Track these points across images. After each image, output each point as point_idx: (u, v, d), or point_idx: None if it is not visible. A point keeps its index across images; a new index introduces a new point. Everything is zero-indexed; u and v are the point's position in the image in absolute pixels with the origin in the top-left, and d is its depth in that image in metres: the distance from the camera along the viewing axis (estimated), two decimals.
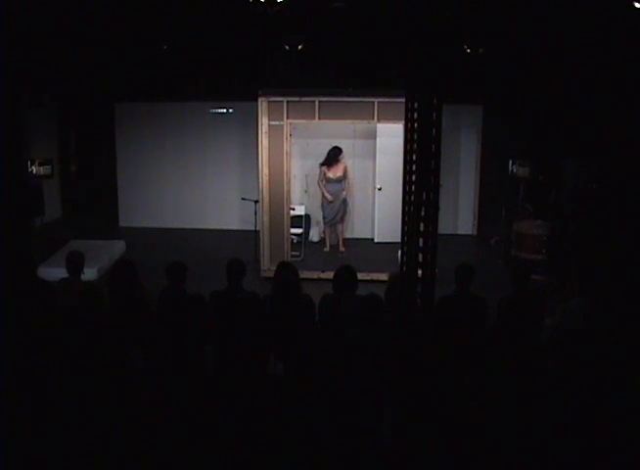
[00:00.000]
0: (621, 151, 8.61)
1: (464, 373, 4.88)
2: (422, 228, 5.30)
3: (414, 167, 5.67)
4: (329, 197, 10.19)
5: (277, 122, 8.98)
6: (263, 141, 9.04)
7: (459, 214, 11.84)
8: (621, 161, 8.61)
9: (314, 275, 8.73)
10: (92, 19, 7.88)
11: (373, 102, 8.85)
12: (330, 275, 5.62)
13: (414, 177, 5.68)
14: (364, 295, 4.93)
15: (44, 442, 4.21)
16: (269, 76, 9.69)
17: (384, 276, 7.48)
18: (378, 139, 10.75)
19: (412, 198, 5.81)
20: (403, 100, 6.14)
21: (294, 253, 9.72)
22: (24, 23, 5.92)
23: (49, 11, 7.25)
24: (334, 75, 9.64)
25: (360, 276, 5.51)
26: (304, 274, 7.38)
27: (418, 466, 4.30)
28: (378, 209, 11.05)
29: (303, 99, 8.93)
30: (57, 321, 4.99)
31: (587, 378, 4.63)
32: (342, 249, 10.43)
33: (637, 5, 6.27)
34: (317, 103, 8.91)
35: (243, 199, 10.24)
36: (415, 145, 5.62)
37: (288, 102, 8.94)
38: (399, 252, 6.65)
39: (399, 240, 6.58)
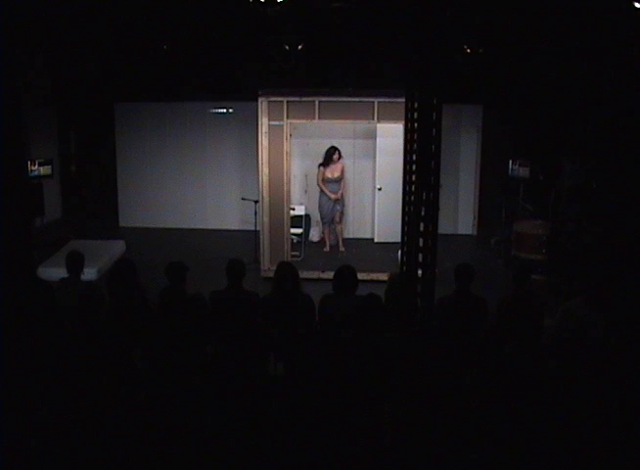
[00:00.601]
0: (621, 151, 8.62)
1: (464, 373, 4.88)
2: (422, 228, 5.30)
3: (414, 167, 5.67)
4: (332, 196, 10.23)
5: (277, 122, 8.98)
6: (263, 141, 9.03)
7: (459, 214, 11.84)
8: (621, 160, 8.61)
9: (314, 275, 8.73)
10: (92, 19, 7.88)
11: (373, 102, 8.85)
12: (330, 275, 5.63)
13: (414, 177, 5.68)
14: (364, 295, 4.93)
15: (44, 442, 4.21)
16: (269, 76, 9.68)
17: (384, 276, 7.48)
18: (378, 139, 10.75)
19: (412, 198, 5.81)
20: (403, 100, 6.15)
21: (294, 253, 9.72)
22: (25, 23, 5.92)
23: (49, 11, 7.25)
24: (334, 75, 9.64)
25: (360, 276, 5.51)
26: (304, 274, 7.38)
27: (418, 466, 4.30)
28: (378, 209, 11.05)
29: (303, 99, 8.93)
30: (57, 321, 4.99)
31: (587, 378, 4.63)
32: (341, 249, 10.44)
33: (637, 5, 6.27)
34: (317, 103, 8.91)
35: (243, 199, 10.24)
36: (415, 145, 5.62)
37: (288, 102, 8.94)
38: (399, 252, 6.66)
39: (399, 240, 6.60)
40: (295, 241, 10.06)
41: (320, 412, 4.52)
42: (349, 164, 11.14)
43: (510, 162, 10.47)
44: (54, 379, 4.55)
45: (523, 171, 10.35)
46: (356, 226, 11.55)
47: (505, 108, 10.86)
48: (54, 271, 6.84)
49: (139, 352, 4.96)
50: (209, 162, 12.09)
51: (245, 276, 5.39)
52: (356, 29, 8.47)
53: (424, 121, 5.29)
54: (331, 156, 10.19)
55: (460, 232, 11.74)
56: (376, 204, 11.10)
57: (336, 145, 10.43)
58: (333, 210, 10.34)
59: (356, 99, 8.89)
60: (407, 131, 6.02)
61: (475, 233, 11.81)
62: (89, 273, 6.89)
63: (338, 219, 10.50)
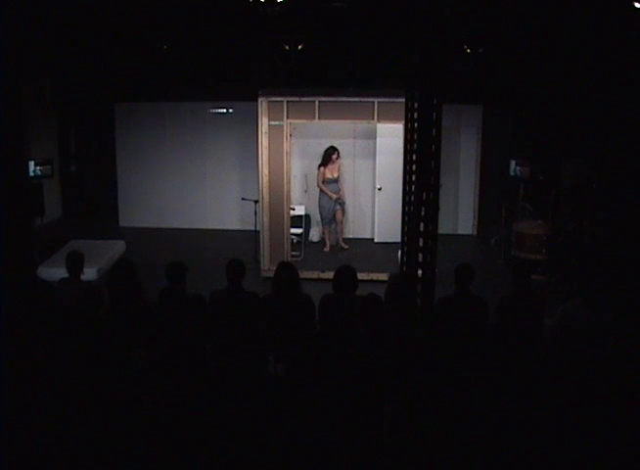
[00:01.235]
0: (622, 150, 8.62)
1: (464, 373, 4.88)
2: (422, 228, 5.30)
3: (414, 167, 5.68)
4: (333, 196, 10.28)
5: (277, 122, 8.97)
6: (263, 141, 9.03)
7: (459, 214, 11.84)
8: (622, 160, 8.61)
9: (314, 275, 8.73)
10: (92, 19, 7.88)
11: (373, 102, 8.84)
12: (330, 275, 5.62)
13: (414, 177, 5.69)
14: (364, 295, 4.92)
15: (44, 442, 4.21)
16: (269, 76, 9.68)
17: (384, 276, 7.49)
18: (378, 139, 10.75)
19: (412, 198, 5.82)
20: (403, 100, 6.16)
21: (294, 253, 9.72)
22: (25, 23, 5.92)
23: (49, 11, 7.24)
24: (334, 75, 9.64)
25: (360, 276, 5.51)
26: (304, 274, 7.38)
27: (418, 466, 4.30)
28: (378, 209, 11.05)
29: (303, 99, 8.93)
30: (57, 321, 4.99)
31: (587, 378, 4.63)
32: (345, 246, 10.52)
33: (637, 5, 6.27)
34: (317, 103, 8.90)
35: (243, 199, 10.23)
36: (415, 145, 5.62)
37: (288, 102, 8.93)
38: (399, 252, 6.66)
39: (399, 240, 6.61)
40: (295, 241, 10.06)
41: (320, 412, 4.52)
42: (350, 163, 11.14)
43: (510, 162, 10.47)
44: (54, 379, 4.55)
45: (523, 171, 10.35)
46: (356, 226, 11.55)
47: (505, 108, 10.86)
48: (54, 271, 6.83)
49: (139, 352, 4.95)
50: (209, 162, 12.09)
51: (245, 276, 5.39)
52: (356, 29, 8.47)
53: (424, 121, 5.30)
54: (330, 156, 10.22)
55: (460, 232, 11.74)
56: (376, 204, 11.09)
57: (335, 145, 10.43)
58: (333, 209, 10.38)
59: (356, 99, 8.89)
60: (407, 131, 6.03)
61: (475, 233, 11.82)
62: (89, 273, 6.88)
63: (340, 218, 10.54)
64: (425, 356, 4.68)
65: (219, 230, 11.83)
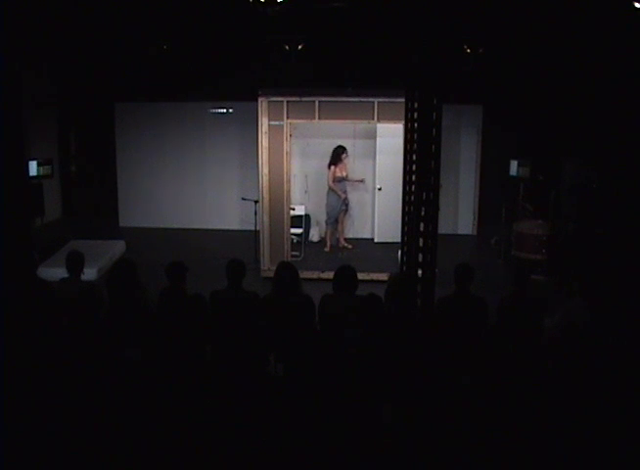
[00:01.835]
0: (622, 151, 8.62)
1: (464, 373, 4.88)
2: (422, 228, 5.30)
3: (414, 167, 5.68)
4: (342, 195, 10.35)
5: (277, 122, 8.98)
6: (263, 141, 9.03)
7: (459, 214, 11.85)
8: (622, 160, 8.61)
9: (314, 275, 8.73)
10: (92, 19, 7.89)
11: (373, 102, 8.85)
12: (330, 275, 5.62)
13: (414, 177, 5.69)
14: (364, 295, 4.92)
15: (44, 441, 4.21)
16: (269, 76, 9.69)
17: (384, 276, 7.48)
18: (378, 139, 10.75)
19: (412, 198, 5.82)
20: (403, 100, 6.16)
21: (294, 253, 9.72)
22: (25, 23, 5.92)
23: (49, 11, 7.25)
24: (334, 75, 9.64)
25: (360, 276, 5.51)
26: (304, 274, 7.38)
27: (418, 466, 4.30)
28: (378, 209, 11.05)
29: (303, 99, 8.93)
30: (57, 321, 4.99)
31: (587, 378, 4.63)
32: (349, 246, 10.57)
33: (637, 5, 6.27)
34: (317, 103, 8.90)
35: (243, 199, 10.24)
36: (415, 145, 5.62)
37: (288, 102, 8.93)
38: (399, 252, 6.66)
39: (399, 240, 6.61)
40: (295, 241, 10.06)
41: (320, 412, 4.52)
42: (350, 163, 11.15)
43: (510, 162, 10.47)
44: (54, 378, 4.55)
45: (523, 171, 10.35)
46: (356, 226, 11.56)
47: (505, 108, 10.87)
48: (54, 271, 6.84)
49: (139, 352, 4.95)
50: (209, 162, 12.09)
51: (245, 276, 5.39)
52: (356, 29, 8.47)
53: (424, 121, 5.30)
54: (339, 155, 10.26)
55: (460, 232, 11.75)
56: (376, 204, 11.10)
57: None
58: (340, 209, 10.43)
59: (356, 99, 8.89)
60: (407, 131, 6.03)
61: (475, 233, 11.82)
62: (89, 273, 6.88)
63: (341, 218, 10.57)
64: (425, 356, 4.68)
65: (219, 230, 11.84)
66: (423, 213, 5.29)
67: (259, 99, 8.96)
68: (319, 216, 11.38)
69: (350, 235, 11.21)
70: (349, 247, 10.60)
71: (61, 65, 11.00)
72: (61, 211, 12.62)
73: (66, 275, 5.63)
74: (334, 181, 10.28)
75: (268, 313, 5.29)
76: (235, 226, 11.75)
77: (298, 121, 9.35)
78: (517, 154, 10.52)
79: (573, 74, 9.21)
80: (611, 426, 4.34)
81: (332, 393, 4.55)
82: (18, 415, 4.26)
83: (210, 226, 11.99)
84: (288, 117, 8.99)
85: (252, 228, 9.81)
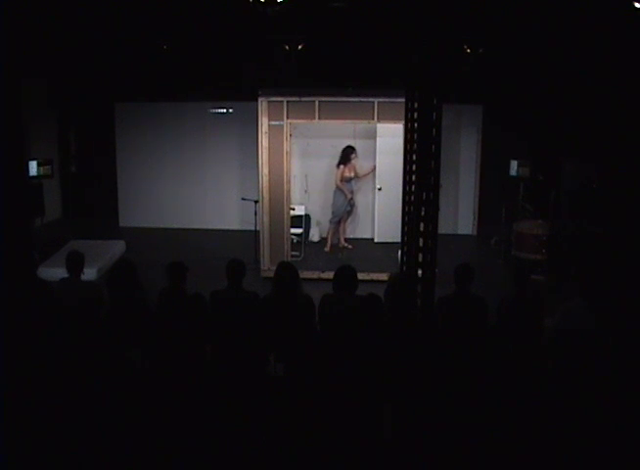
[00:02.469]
0: (622, 151, 8.62)
1: (464, 373, 4.88)
2: (422, 228, 5.30)
3: (414, 167, 5.67)
4: (349, 195, 10.38)
5: (277, 122, 8.98)
6: (263, 141, 9.03)
7: (459, 214, 11.85)
8: (622, 161, 8.61)
9: (314, 275, 8.73)
10: (92, 19, 7.88)
11: (373, 102, 8.85)
12: (330, 275, 5.62)
13: (414, 177, 5.69)
14: (364, 295, 4.92)
15: (44, 441, 4.21)
16: (269, 76, 9.68)
17: (384, 276, 7.48)
18: (378, 139, 10.75)
19: (412, 198, 5.81)
20: (403, 100, 6.15)
21: (294, 253, 9.72)
22: (25, 23, 5.92)
23: (49, 11, 7.24)
24: (334, 75, 9.63)
25: (360, 276, 5.51)
26: (304, 274, 7.38)
27: (418, 466, 4.30)
28: (378, 209, 11.05)
29: (303, 99, 8.93)
30: (57, 321, 4.99)
31: (587, 378, 4.63)
32: (348, 245, 10.57)
33: (637, 5, 6.27)
34: (317, 103, 8.91)
35: (243, 199, 10.23)
36: (415, 145, 5.62)
37: (288, 102, 8.93)
38: (399, 252, 6.66)
39: (399, 240, 6.60)
40: (295, 241, 10.06)
41: (320, 412, 4.52)
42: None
43: (510, 162, 10.47)
44: (54, 379, 4.55)
45: (523, 171, 10.35)
46: (356, 226, 11.55)
47: (505, 108, 10.86)
48: (54, 271, 6.84)
49: (139, 352, 4.96)
50: (209, 162, 12.09)
51: (245, 276, 5.39)
52: (356, 29, 8.47)
53: (424, 121, 5.29)
54: (348, 155, 10.31)
55: (460, 232, 11.75)
56: (376, 204, 11.10)
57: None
58: (346, 209, 10.46)
59: (356, 99, 8.89)
60: (407, 131, 6.03)
61: (475, 233, 11.82)
62: (89, 273, 6.88)
63: (345, 217, 10.62)
64: (425, 356, 4.68)
65: (219, 230, 11.84)
66: (423, 213, 5.29)
67: (259, 99, 8.96)
68: (319, 216, 11.38)
69: (350, 235, 11.21)
70: (349, 247, 10.61)
71: (61, 65, 10.98)
72: (61, 211, 12.62)
73: (66, 275, 5.63)
74: (342, 181, 10.30)
75: (268, 313, 5.29)
76: (235, 226, 11.75)
77: (298, 121, 9.35)
78: (517, 154, 10.52)
79: (573, 74, 9.20)
80: (611, 426, 4.34)
81: (332, 393, 4.55)
82: (18, 415, 4.26)
83: (210, 226, 11.99)
84: (288, 117, 8.98)
85: (252, 228, 9.81)
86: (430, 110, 5.23)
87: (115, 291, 5.24)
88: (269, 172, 9.09)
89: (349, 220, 11.19)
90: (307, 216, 11.18)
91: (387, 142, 10.57)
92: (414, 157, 5.68)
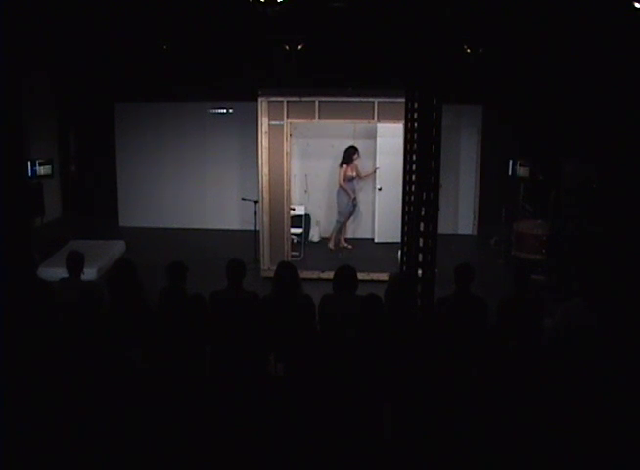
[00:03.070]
0: (622, 151, 8.62)
1: (464, 373, 4.88)
2: (422, 228, 5.30)
3: (414, 167, 5.67)
4: (352, 194, 10.41)
5: (277, 122, 8.98)
6: (263, 141, 9.03)
7: (459, 214, 11.85)
8: (622, 160, 8.61)
9: (314, 275, 8.73)
10: (92, 18, 7.88)
11: (373, 102, 8.85)
12: (330, 275, 5.62)
13: (414, 177, 5.69)
14: (364, 295, 4.92)
15: (44, 441, 4.21)
16: (269, 76, 9.68)
17: (384, 276, 7.48)
18: (378, 139, 10.75)
19: (412, 198, 5.81)
20: (403, 100, 6.15)
21: (294, 253, 9.72)
22: (25, 23, 5.92)
23: (49, 11, 7.24)
24: (334, 75, 9.64)
25: (360, 276, 5.51)
26: (304, 274, 7.38)
27: (418, 466, 4.30)
28: (378, 209, 11.05)
29: (303, 99, 8.93)
30: (57, 321, 4.99)
31: (587, 378, 4.63)
32: (348, 245, 10.59)
33: (637, 5, 6.27)
34: (317, 103, 8.90)
35: (243, 199, 10.24)
36: (415, 145, 5.62)
37: (288, 102, 8.93)
38: (399, 252, 6.66)
39: (400, 240, 6.60)
40: (295, 241, 10.06)
41: (320, 412, 4.52)
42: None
43: (510, 162, 10.47)
44: (54, 379, 4.55)
45: (523, 171, 10.35)
46: (357, 226, 11.55)
47: (505, 108, 10.86)
48: (54, 271, 6.84)
49: (139, 352, 4.95)
50: (209, 162, 12.09)
51: (245, 276, 5.39)
52: (356, 30, 8.47)
53: (424, 121, 5.29)
54: (351, 155, 10.33)
55: (460, 232, 11.74)
56: (376, 204, 11.10)
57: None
58: (351, 208, 10.48)
59: (356, 99, 8.89)
60: (407, 131, 6.02)
61: (475, 233, 11.82)
62: (89, 273, 6.88)
63: (347, 216, 10.66)
64: (425, 356, 4.68)
65: (219, 230, 11.83)
66: (423, 213, 5.28)
67: (259, 99, 8.95)
68: (319, 216, 11.38)
69: (350, 235, 11.21)
70: (349, 247, 10.61)
71: (61, 65, 10.99)
72: (61, 211, 12.61)
73: (66, 275, 5.63)
74: (345, 180, 10.31)
75: (268, 313, 5.29)
76: (235, 226, 11.75)
77: (298, 121, 9.35)
78: (517, 154, 10.52)
79: (573, 74, 9.20)
80: (611, 426, 4.34)
81: (332, 393, 4.55)
82: (18, 415, 4.26)
83: (210, 226, 11.99)
84: (288, 117, 8.98)
85: (252, 228, 9.81)
86: (430, 110, 5.22)
87: (115, 291, 5.24)
88: (269, 172, 9.09)
89: (351, 220, 11.20)
90: (307, 216, 11.18)
91: (387, 142, 10.58)
92: (414, 157, 5.68)
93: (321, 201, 11.46)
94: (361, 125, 10.68)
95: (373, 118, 9.00)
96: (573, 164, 9.27)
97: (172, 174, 12.12)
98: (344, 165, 10.31)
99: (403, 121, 6.40)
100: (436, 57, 5.14)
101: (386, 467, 4.29)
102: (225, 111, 11.86)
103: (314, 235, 11.21)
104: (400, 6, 6.29)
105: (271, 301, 5.35)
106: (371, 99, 8.84)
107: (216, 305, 5.32)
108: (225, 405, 4.71)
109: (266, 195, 9.15)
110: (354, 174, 10.41)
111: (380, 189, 10.92)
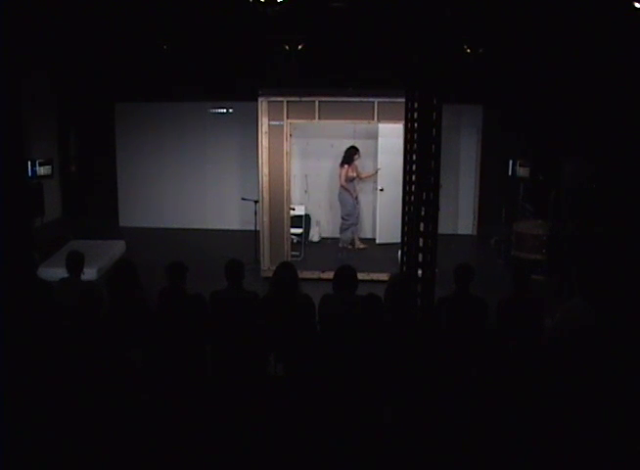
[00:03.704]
0: (621, 151, 8.62)
1: (463, 373, 4.88)
2: (422, 228, 5.30)
3: (414, 167, 5.67)
4: (354, 194, 10.45)
5: (277, 122, 8.98)
6: (263, 141, 9.03)
7: (459, 214, 11.84)
8: (621, 160, 8.61)
9: (314, 275, 8.73)
10: (92, 18, 7.88)
11: (373, 102, 8.85)
12: (330, 275, 5.62)
13: (414, 177, 5.68)
14: (364, 295, 4.92)
15: (44, 441, 4.21)
16: (269, 76, 9.68)
17: (384, 276, 7.48)
18: (380, 139, 10.73)
19: (412, 198, 5.81)
20: (403, 100, 6.15)
21: (294, 253, 9.72)
22: (25, 23, 5.92)
23: (49, 11, 7.24)
24: (334, 75, 9.64)
25: (360, 276, 5.51)
26: (304, 274, 7.38)
27: (418, 466, 4.30)
28: (379, 209, 11.03)
29: (303, 99, 8.93)
30: (57, 321, 4.99)
31: (587, 378, 4.63)
32: (365, 246, 10.68)
33: (637, 5, 6.27)
34: (317, 103, 8.91)
35: (243, 199, 10.24)
36: (415, 145, 5.61)
37: (288, 102, 8.93)
38: (399, 252, 6.66)
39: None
40: (295, 241, 10.06)
41: (320, 412, 4.52)
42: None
43: (510, 162, 10.47)
44: (54, 379, 4.55)
45: (523, 171, 10.36)
46: (357, 227, 11.53)
47: (505, 108, 10.86)
48: (54, 271, 6.84)
49: (139, 352, 4.95)
50: (209, 162, 12.09)
51: (244, 276, 5.39)
52: (356, 29, 8.47)
53: (424, 121, 5.29)
54: (352, 155, 10.35)
55: (460, 232, 11.74)
56: (377, 204, 11.09)
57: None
58: (357, 208, 10.52)
59: (356, 99, 8.89)
60: (407, 131, 6.02)
61: (475, 233, 11.82)
62: (89, 273, 6.88)
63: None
64: (424, 356, 4.68)
65: (219, 230, 11.83)
66: (423, 213, 5.28)
67: (259, 99, 8.96)
68: (319, 216, 11.38)
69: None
70: (364, 247, 10.66)
71: (61, 65, 10.98)
72: (61, 211, 12.61)
73: (66, 275, 5.63)
74: (346, 181, 10.31)
75: (268, 313, 5.29)
76: (235, 226, 11.75)
77: (298, 121, 9.35)
78: (517, 154, 10.52)
79: (573, 74, 9.20)
80: (611, 426, 4.34)
81: (332, 393, 4.55)
82: (18, 416, 4.26)
83: (210, 226, 11.99)
84: (288, 117, 8.99)
85: (252, 228, 9.81)
86: (430, 110, 5.22)
87: (115, 291, 5.24)
88: (269, 172, 9.09)
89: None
90: (307, 216, 11.18)
91: (388, 142, 10.55)
92: (414, 157, 5.68)
93: (321, 201, 11.46)
94: (362, 125, 10.67)
95: (373, 118, 9.00)
96: (573, 164, 9.27)
97: (172, 174, 12.12)
98: (345, 166, 10.31)
99: (403, 121, 6.40)
100: (436, 57, 5.14)
101: (386, 467, 4.29)
102: (225, 111, 11.86)
103: (314, 235, 11.22)
104: (400, 6, 6.29)
105: (271, 301, 5.35)
106: (371, 99, 8.85)
107: (216, 306, 5.32)
108: (225, 405, 4.71)
109: (266, 195, 9.15)
110: (354, 175, 10.42)
111: (381, 190, 10.90)
